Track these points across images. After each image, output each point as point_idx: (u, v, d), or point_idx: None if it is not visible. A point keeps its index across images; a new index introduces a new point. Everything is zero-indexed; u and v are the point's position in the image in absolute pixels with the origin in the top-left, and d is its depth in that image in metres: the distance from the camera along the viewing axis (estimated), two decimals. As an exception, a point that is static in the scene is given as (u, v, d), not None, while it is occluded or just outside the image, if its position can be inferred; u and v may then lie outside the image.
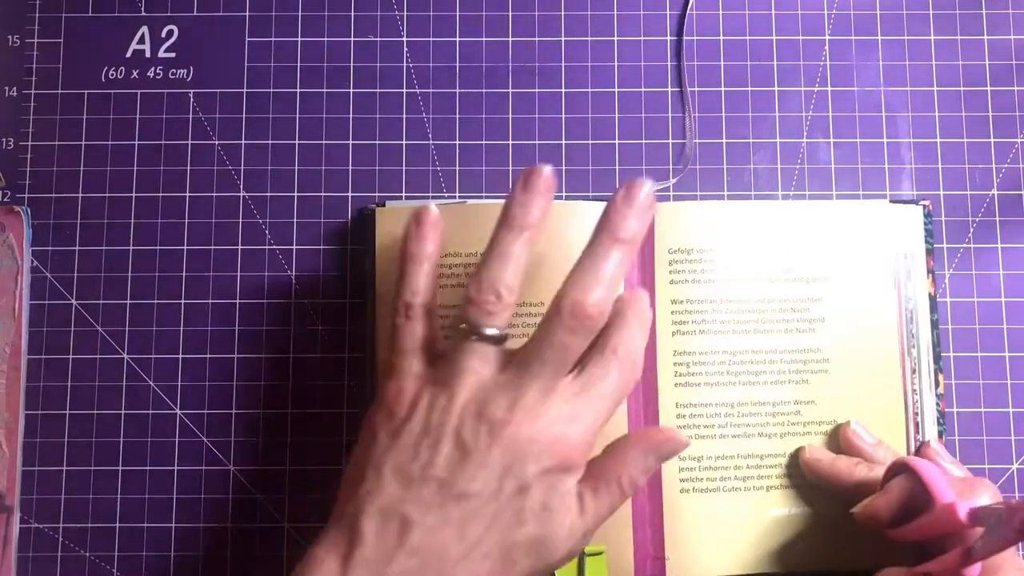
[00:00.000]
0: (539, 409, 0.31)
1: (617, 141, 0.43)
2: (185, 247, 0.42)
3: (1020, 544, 0.32)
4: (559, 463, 0.31)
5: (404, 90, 0.43)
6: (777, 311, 0.41)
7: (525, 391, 0.31)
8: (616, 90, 0.43)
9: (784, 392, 0.40)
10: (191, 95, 0.43)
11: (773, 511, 0.40)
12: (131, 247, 0.42)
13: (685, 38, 0.44)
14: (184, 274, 0.42)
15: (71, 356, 0.42)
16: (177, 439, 0.41)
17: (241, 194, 0.43)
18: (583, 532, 0.32)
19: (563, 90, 0.43)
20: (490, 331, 0.32)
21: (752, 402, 0.40)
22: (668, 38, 0.44)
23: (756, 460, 0.40)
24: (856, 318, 0.41)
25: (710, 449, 0.40)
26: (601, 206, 0.34)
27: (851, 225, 0.41)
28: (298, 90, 0.43)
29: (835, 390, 0.40)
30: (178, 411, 0.41)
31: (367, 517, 0.30)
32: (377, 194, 0.43)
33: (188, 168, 0.43)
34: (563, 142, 0.43)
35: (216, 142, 0.43)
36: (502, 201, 0.34)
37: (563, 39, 0.44)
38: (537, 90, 0.43)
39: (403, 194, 0.43)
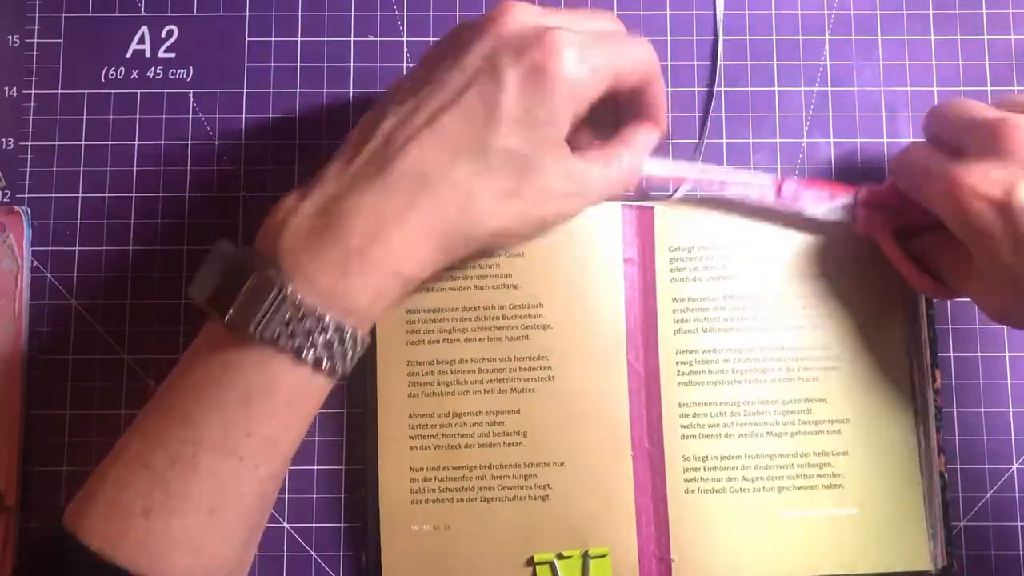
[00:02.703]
0: None
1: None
2: (185, 247, 0.42)
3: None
4: None
5: (404, 90, 0.43)
6: (784, 307, 0.40)
7: None
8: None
9: (795, 390, 0.40)
10: (191, 95, 0.43)
11: (786, 513, 0.39)
12: (131, 247, 0.42)
13: (680, 38, 0.44)
14: (184, 274, 0.42)
15: (71, 356, 0.42)
16: (177, 439, 0.41)
17: (241, 194, 0.43)
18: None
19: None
20: None
21: (760, 400, 0.40)
22: (668, 38, 0.44)
23: (766, 460, 0.39)
24: (866, 313, 0.40)
25: (715, 449, 0.39)
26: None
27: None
28: (298, 90, 0.43)
29: (846, 387, 0.40)
30: (178, 411, 0.41)
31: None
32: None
33: (188, 168, 0.43)
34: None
35: (216, 142, 0.43)
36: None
37: (563, 39, 0.44)
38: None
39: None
